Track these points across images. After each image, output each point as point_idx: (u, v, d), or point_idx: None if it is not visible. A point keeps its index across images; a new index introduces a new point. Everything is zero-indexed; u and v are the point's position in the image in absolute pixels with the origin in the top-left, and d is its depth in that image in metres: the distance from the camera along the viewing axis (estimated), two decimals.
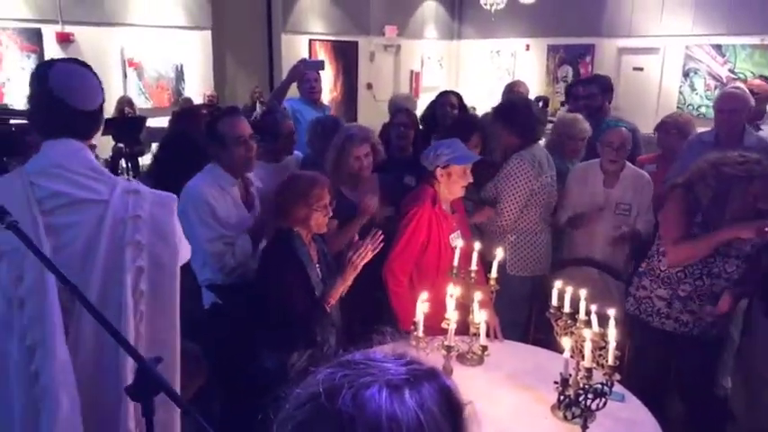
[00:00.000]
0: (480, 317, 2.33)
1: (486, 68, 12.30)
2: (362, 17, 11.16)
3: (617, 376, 2.01)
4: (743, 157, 2.58)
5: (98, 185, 1.63)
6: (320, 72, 4.68)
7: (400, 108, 4.23)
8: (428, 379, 0.76)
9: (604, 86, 4.58)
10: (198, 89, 9.30)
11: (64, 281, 1.32)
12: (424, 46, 12.40)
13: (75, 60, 1.72)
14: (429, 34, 12.48)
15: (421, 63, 12.37)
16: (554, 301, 2.37)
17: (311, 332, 2.43)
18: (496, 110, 3.65)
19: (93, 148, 1.84)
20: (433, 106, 4.60)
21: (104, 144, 7.30)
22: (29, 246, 1.32)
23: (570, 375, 1.99)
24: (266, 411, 0.82)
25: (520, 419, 2.13)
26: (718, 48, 9.58)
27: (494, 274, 2.60)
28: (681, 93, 10.01)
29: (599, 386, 1.95)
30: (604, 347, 2.04)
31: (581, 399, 1.95)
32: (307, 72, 4.43)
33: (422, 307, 2.26)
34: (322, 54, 10.61)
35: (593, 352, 2.00)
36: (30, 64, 7.56)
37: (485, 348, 2.36)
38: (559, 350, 2.09)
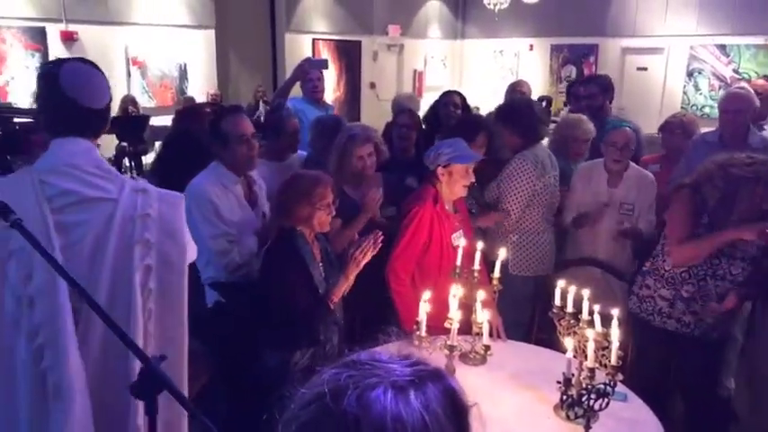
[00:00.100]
0: (483, 316, 2.34)
1: (490, 68, 12.29)
2: (366, 16, 11.16)
3: (620, 376, 2.01)
4: (750, 158, 2.57)
5: (107, 184, 1.64)
6: (323, 71, 4.69)
7: (403, 108, 4.21)
8: (433, 380, 0.77)
9: (604, 86, 4.56)
10: (201, 88, 9.31)
11: (72, 284, 1.32)
12: (427, 45, 12.39)
13: (83, 59, 1.73)
14: (432, 34, 12.47)
15: (424, 63, 12.36)
16: (557, 301, 2.37)
17: (314, 331, 2.44)
18: (498, 110, 3.65)
19: (96, 147, 1.84)
20: (435, 106, 4.57)
21: (108, 143, 7.31)
22: (35, 246, 1.33)
23: (573, 375, 1.99)
24: (271, 411, 0.82)
25: (522, 419, 2.13)
26: (722, 48, 9.56)
27: (497, 273, 2.60)
28: (685, 93, 10.00)
29: (602, 386, 1.95)
30: (607, 347, 2.04)
31: (584, 399, 1.96)
32: (310, 71, 4.44)
33: (424, 306, 2.27)
34: (325, 53, 10.61)
35: (595, 352, 2.00)
36: (34, 62, 7.59)
37: (487, 348, 2.36)
38: (562, 350, 2.09)
